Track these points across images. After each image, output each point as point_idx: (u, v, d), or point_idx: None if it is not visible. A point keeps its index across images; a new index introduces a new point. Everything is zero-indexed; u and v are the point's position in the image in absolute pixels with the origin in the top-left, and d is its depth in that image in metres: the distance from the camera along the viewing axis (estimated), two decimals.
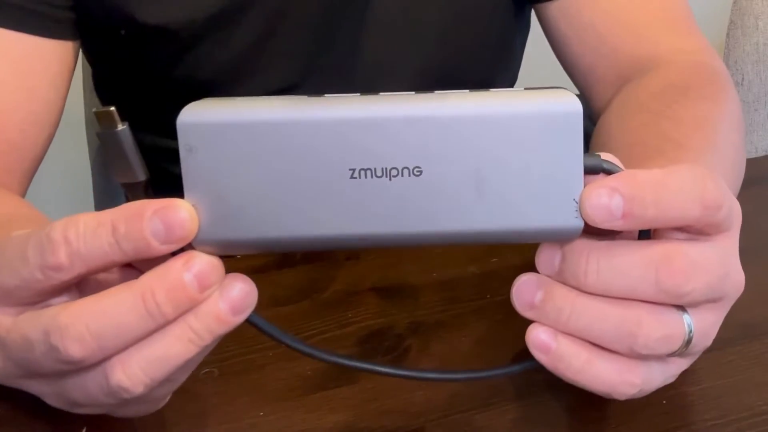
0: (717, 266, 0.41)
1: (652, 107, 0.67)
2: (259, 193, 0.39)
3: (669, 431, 0.48)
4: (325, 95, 0.39)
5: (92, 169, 1.11)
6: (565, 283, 0.41)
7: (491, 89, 0.39)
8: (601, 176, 0.40)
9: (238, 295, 0.40)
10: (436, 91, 0.39)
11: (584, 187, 0.40)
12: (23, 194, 0.72)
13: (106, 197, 1.10)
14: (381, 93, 0.39)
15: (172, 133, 0.88)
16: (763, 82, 1.35)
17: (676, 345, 0.42)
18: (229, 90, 0.75)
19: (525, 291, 0.41)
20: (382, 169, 0.39)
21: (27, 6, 0.68)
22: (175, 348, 0.40)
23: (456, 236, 0.41)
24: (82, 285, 0.43)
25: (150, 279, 0.39)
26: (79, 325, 0.39)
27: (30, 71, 0.70)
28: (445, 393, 0.51)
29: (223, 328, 0.40)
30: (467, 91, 0.39)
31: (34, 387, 0.45)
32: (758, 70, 1.35)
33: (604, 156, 0.41)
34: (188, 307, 0.39)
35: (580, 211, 0.40)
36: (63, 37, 0.71)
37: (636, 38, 0.76)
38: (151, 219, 0.38)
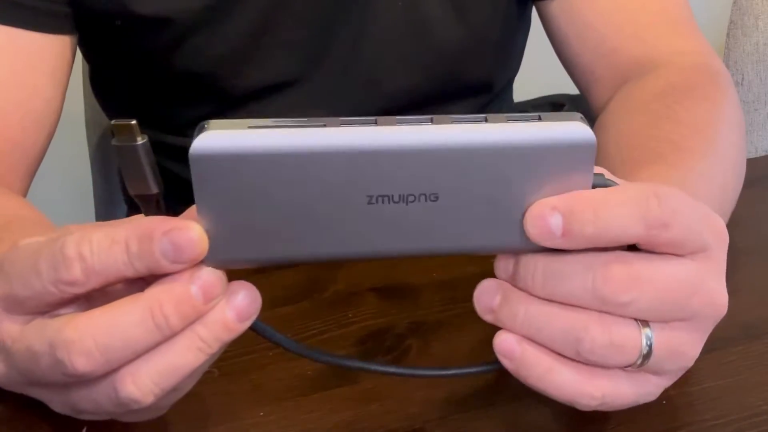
0: (673, 282, 0.41)
1: (652, 108, 0.67)
2: (274, 217, 0.39)
3: (669, 431, 0.48)
4: (341, 119, 0.38)
5: (92, 169, 1.11)
6: (518, 287, 0.42)
7: (507, 115, 0.39)
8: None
9: (244, 302, 0.41)
10: (452, 116, 0.39)
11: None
12: (25, 192, 0.72)
13: (105, 197, 1.10)
14: (397, 118, 0.39)
15: (168, 128, 0.88)
16: (763, 82, 1.35)
17: (630, 356, 0.42)
18: (227, 83, 0.75)
19: (485, 295, 0.43)
20: (400, 195, 0.39)
21: (23, 2, 0.68)
22: (185, 357, 0.41)
23: (470, 251, 0.42)
24: (90, 294, 0.43)
25: (157, 292, 0.40)
26: (86, 339, 0.39)
27: (29, 68, 0.70)
28: (445, 393, 0.51)
29: (230, 336, 0.41)
30: (484, 117, 0.39)
31: (40, 394, 0.45)
32: (758, 70, 1.35)
33: (598, 170, 0.41)
34: (194, 319, 0.40)
35: (524, 229, 0.40)
36: (60, 32, 0.71)
37: (636, 39, 0.76)
38: (161, 240, 0.39)
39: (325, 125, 0.38)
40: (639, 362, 0.42)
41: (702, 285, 0.42)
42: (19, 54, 0.69)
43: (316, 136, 0.38)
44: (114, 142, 0.39)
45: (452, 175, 0.39)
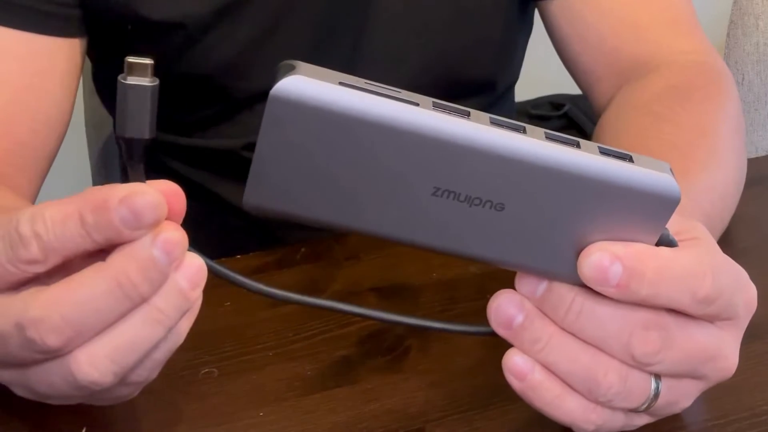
0: (699, 349, 0.42)
1: (654, 109, 0.67)
2: (334, 179, 0.38)
3: (669, 431, 0.48)
4: (433, 101, 0.37)
5: (92, 169, 1.11)
6: (541, 310, 0.42)
7: (599, 146, 0.39)
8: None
9: (192, 269, 0.40)
10: (546, 131, 0.38)
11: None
12: (35, 193, 0.72)
13: None
14: (491, 117, 0.38)
15: (172, 129, 0.88)
16: (763, 82, 1.35)
17: (636, 403, 0.43)
18: (233, 85, 0.75)
19: (505, 310, 0.42)
20: (467, 196, 0.38)
21: (34, 5, 0.68)
22: (143, 331, 0.40)
23: (508, 266, 0.42)
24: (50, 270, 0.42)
25: (121, 261, 0.39)
26: (54, 315, 0.39)
27: (39, 71, 0.70)
28: (445, 393, 0.51)
29: (187, 303, 0.40)
30: (577, 142, 0.38)
31: (6, 377, 0.44)
32: (758, 70, 1.35)
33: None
34: (162, 283, 0.39)
35: (578, 265, 0.40)
36: (70, 35, 0.71)
37: (637, 38, 0.76)
38: (118, 209, 0.38)
39: (418, 104, 0.37)
40: (641, 408, 0.43)
41: (721, 352, 0.43)
42: (31, 57, 0.69)
43: (407, 113, 0.36)
44: (123, 79, 0.38)
45: (527, 190, 0.38)
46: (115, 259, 0.39)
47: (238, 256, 0.62)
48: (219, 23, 0.72)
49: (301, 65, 0.36)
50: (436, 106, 0.37)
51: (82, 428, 0.49)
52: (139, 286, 0.39)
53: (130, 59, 0.38)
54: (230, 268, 0.43)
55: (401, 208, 0.39)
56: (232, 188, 0.81)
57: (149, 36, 0.72)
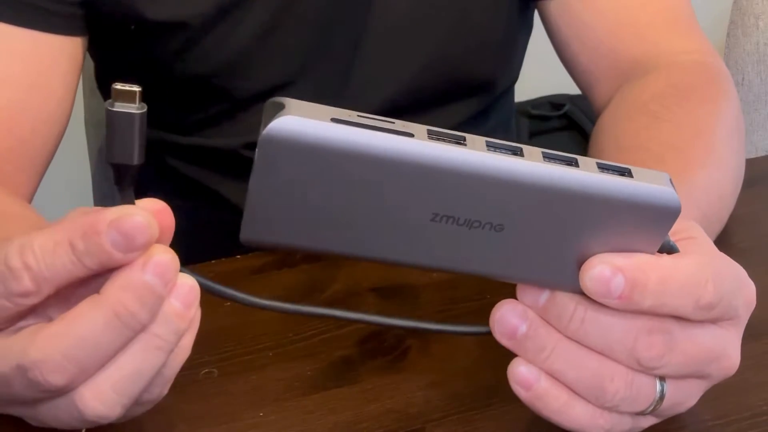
0: (702, 350, 0.43)
1: (653, 109, 0.67)
2: (332, 211, 0.38)
3: (669, 431, 0.48)
4: (428, 129, 0.37)
5: (92, 169, 1.11)
6: (543, 318, 0.42)
7: (598, 161, 0.39)
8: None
9: (184, 289, 0.40)
10: (543, 150, 0.38)
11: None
12: (33, 191, 0.72)
13: (105, 198, 1.10)
14: (486, 141, 0.38)
15: (172, 128, 0.88)
16: (764, 82, 1.35)
17: (642, 407, 0.43)
18: (234, 84, 0.75)
19: (508, 321, 0.42)
20: (466, 219, 0.38)
21: (37, 4, 0.68)
22: (145, 360, 0.40)
23: (511, 280, 0.42)
24: (46, 301, 0.41)
25: (115, 291, 0.38)
26: (55, 355, 0.39)
27: (40, 68, 0.70)
28: (445, 393, 0.51)
29: (185, 323, 0.40)
30: (575, 159, 0.38)
31: (15, 412, 0.44)
32: (758, 70, 1.35)
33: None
34: (159, 306, 0.39)
35: (580, 278, 0.40)
36: (72, 34, 0.71)
37: (636, 38, 0.76)
38: (109, 233, 0.37)
39: (413, 135, 0.36)
40: (647, 411, 0.43)
41: (724, 351, 0.43)
42: (33, 56, 0.69)
43: (403, 145, 0.36)
44: (110, 106, 0.37)
45: (527, 210, 0.38)
46: (109, 290, 0.39)
47: (238, 256, 0.62)
48: (221, 22, 0.72)
49: (291, 103, 0.36)
50: (431, 135, 0.37)
51: (82, 428, 0.49)
52: (137, 314, 0.38)
53: (117, 86, 0.37)
54: (222, 284, 0.42)
55: (400, 236, 0.39)
56: (233, 186, 0.81)
57: (152, 36, 0.72)
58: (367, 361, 0.54)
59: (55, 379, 0.39)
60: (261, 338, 0.55)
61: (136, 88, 0.37)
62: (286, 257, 0.63)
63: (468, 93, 0.82)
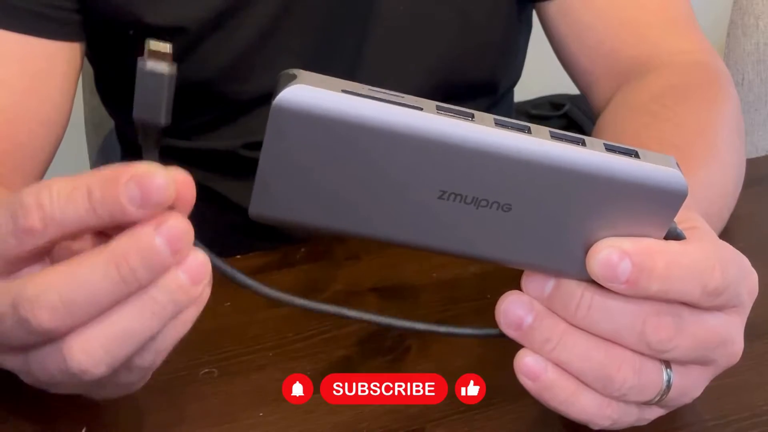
0: (710, 334, 0.42)
1: (653, 109, 0.67)
2: (339, 186, 0.38)
3: (669, 431, 0.48)
4: (437, 104, 0.37)
5: (91, 168, 1.11)
6: (550, 308, 0.42)
7: (605, 142, 0.39)
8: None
9: (195, 263, 0.39)
10: (550, 129, 0.38)
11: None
12: None
13: None
14: (495, 118, 0.37)
15: (171, 132, 0.88)
16: (763, 82, 1.35)
17: (649, 396, 0.43)
18: (234, 89, 0.75)
19: (514, 312, 0.42)
20: (474, 198, 0.38)
21: (34, 9, 0.68)
22: (138, 322, 0.39)
23: (516, 265, 0.41)
24: (55, 255, 0.41)
25: (121, 244, 0.38)
26: (49, 293, 0.38)
27: (38, 73, 0.70)
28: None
29: (186, 298, 0.39)
30: (582, 139, 0.38)
31: (8, 362, 0.44)
32: (758, 70, 1.35)
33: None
34: (161, 272, 0.39)
35: (587, 262, 0.40)
36: (70, 39, 0.71)
37: (635, 38, 0.76)
38: (127, 184, 0.38)
39: (422, 108, 0.37)
40: (654, 401, 0.43)
41: (729, 337, 0.43)
42: (31, 61, 0.69)
43: (411, 117, 0.36)
44: (142, 64, 0.37)
45: (534, 189, 0.38)
46: (116, 242, 0.38)
47: (238, 256, 0.62)
48: (220, 27, 0.72)
49: (302, 73, 0.36)
50: (439, 109, 0.37)
51: (82, 428, 0.49)
52: (136, 271, 0.38)
53: (151, 43, 0.37)
54: (237, 269, 0.42)
55: (407, 213, 0.39)
56: (232, 186, 0.81)
57: None
58: (367, 361, 0.54)
59: (44, 318, 0.38)
60: (261, 338, 0.55)
61: (169, 48, 0.37)
62: (286, 257, 0.63)
63: (470, 95, 0.82)
